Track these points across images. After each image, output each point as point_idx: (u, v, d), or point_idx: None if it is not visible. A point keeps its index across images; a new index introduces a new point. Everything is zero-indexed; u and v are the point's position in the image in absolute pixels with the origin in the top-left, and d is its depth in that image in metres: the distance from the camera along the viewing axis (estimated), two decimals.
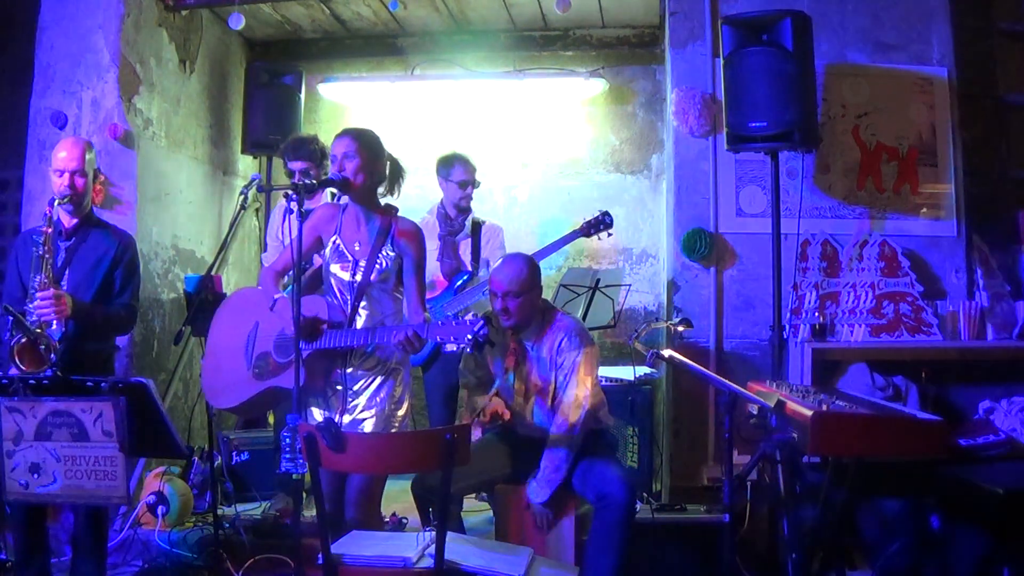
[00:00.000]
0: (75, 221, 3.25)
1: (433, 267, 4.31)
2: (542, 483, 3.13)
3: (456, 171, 4.30)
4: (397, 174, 3.12)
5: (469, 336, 2.57)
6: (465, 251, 4.31)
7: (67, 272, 3.18)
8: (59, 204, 3.16)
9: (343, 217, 3.06)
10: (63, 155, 3.18)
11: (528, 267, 3.22)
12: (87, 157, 3.22)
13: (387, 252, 2.97)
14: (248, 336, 3.10)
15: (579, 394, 3.17)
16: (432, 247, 4.30)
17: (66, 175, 3.17)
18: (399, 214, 3.07)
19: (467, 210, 4.36)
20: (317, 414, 2.99)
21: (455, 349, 2.61)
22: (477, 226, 4.38)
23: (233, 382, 3.08)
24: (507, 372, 3.29)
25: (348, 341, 2.88)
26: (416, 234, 3.01)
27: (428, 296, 4.23)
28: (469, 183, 4.30)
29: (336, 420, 2.96)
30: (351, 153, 2.94)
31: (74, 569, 3.22)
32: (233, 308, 3.25)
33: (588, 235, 4.26)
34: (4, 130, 4.72)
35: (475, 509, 4.23)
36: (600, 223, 4.23)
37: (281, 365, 2.95)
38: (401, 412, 3.01)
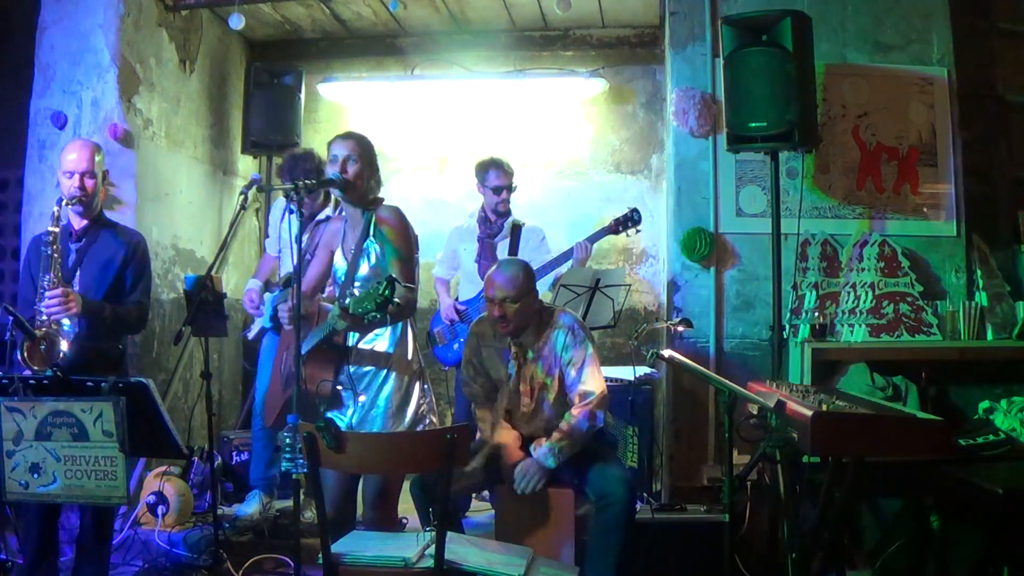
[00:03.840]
0: (85, 222, 3.25)
1: (471, 268, 4.39)
2: (555, 450, 3.07)
3: (491, 177, 4.35)
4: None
5: (375, 302, 2.56)
6: (502, 252, 4.35)
7: (78, 273, 3.19)
8: (68, 205, 3.16)
9: (345, 227, 3.09)
10: (72, 156, 3.18)
11: (523, 272, 3.20)
12: (96, 159, 3.22)
13: (369, 244, 2.98)
14: (283, 357, 3.19)
15: (598, 385, 3.18)
16: (472, 249, 4.39)
17: (76, 176, 3.17)
18: (384, 204, 3.07)
19: (506, 213, 4.40)
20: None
21: (374, 315, 2.61)
22: (517, 228, 4.42)
23: (274, 399, 3.21)
24: (509, 375, 3.28)
25: (317, 336, 2.90)
26: (393, 220, 2.99)
27: (468, 296, 4.33)
28: (504, 188, 4.33)
29: (348, 419, 2.98)
30: (354, 157, 2.95)
31: (77, 570, 3.21)
32: (286, 335, 3.33)
33: (617, 232, 4.32)
34: (4, 130, 4.72)
35: (475, 509, 4.23)
36: (629, 220, 4.28)
37: (294, 374, 2.99)
38: (412, 407, 3.01)
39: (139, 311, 3.31)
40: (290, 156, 4.31)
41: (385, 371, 2.98)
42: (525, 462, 3.11)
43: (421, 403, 3.05)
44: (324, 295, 3.18)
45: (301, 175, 4.10)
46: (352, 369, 2.99)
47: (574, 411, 3.16)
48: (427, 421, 3.07)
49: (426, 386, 3.10)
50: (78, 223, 3.24)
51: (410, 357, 3.05)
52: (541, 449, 3.11)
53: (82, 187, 3.17)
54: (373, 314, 2.61)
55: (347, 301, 2.69)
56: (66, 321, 3.08)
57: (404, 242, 2.99)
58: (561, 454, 3.09)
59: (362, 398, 2.99)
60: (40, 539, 3.10)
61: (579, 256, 4.20)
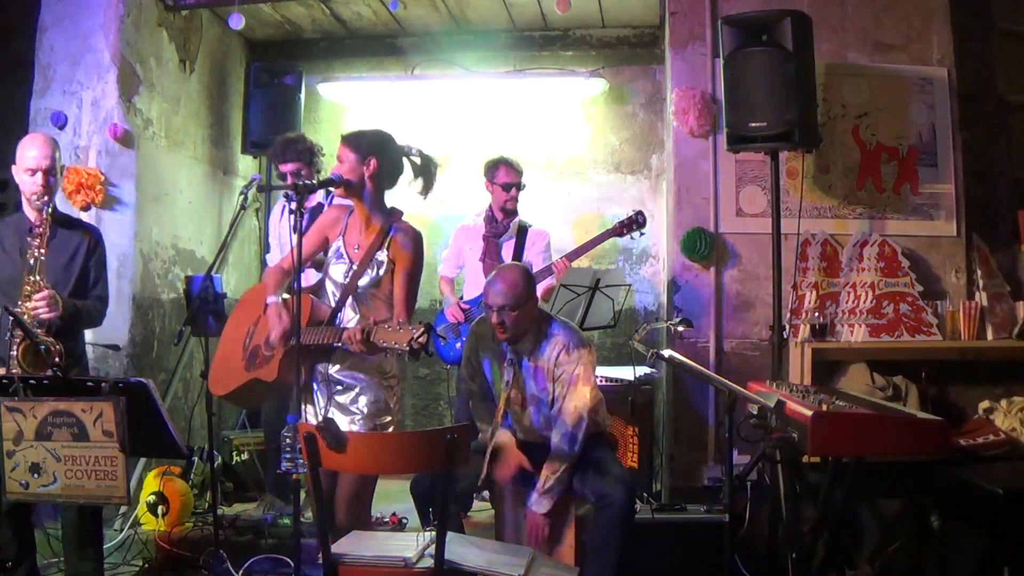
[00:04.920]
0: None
1: (476, 267, 4.38)
2: (544, 494, 3.08)
3: (500, 174, 4.34)
4: (427, 168, 3.11)
5: (406, 343, 2.57)
6: (508, 253, 4.35)
7: None
8: (31, 203, 3.13)
9: (348, 220, 3.07)
10: (34, 153, 3.13)
11: (523, 279, 3.16)
12: (56, 155, 3.19)
13: (381, 256, 2.96)
14: (248, 329, 3.14)
15: (578, 405, 3.13)
16: (477, 247, 4.38)
17: (39, 174, 3.12)
18: (403, 218, 3.06)
19: (513, 213, 4.39)
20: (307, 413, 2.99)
21: (400, 353, 2.66)
22: (523, 229, 4.42)
23: (228, 371, 3.14)
24: (503, 383, 3.27)
25: (311, 338, 2.88)
26: (413, 238, 3.00)
27: (473, 295, 4.31)
28: (513, 185, 4.33)
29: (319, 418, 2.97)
30: (343, 157, 2.97)
31: (72, 569, 3.21)
32: (246, 302, 3.32)
33: (621, 235, 4.30)
34: (4, 130, 4.72)
35: (475, 509, 4.22)
36: (633, 222, 4.26)
37: (266, 358, 2.97)
38: (387, 417, 3.00)
39: (102, 306, 3.30)
40: (281, 139, 4.27)
41: (368, 376, 2.97)
42: (529, 519, 3.11)
43: (395, 411, 3.04)
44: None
45: (293, 156, 4.13)
46: (335, 369, 2.98)
47: (554, 436, 3.14)
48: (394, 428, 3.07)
49: (400, 397, 3.09)
50: (38, 220, 3.21)
51: (393, 364, 3.04)
52: (532, 499, 3.10)
53: (45, 184, 3.13)
54: (400, 353, 2.63)
55: (372, 330, 2.68)
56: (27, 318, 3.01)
57: (418, 270, 3.01)
58: (552, 496, 3.08)
59: (341, 399, 2.98)
60: (15, 539, 3.09)
61: (557, 275, 4.19)
